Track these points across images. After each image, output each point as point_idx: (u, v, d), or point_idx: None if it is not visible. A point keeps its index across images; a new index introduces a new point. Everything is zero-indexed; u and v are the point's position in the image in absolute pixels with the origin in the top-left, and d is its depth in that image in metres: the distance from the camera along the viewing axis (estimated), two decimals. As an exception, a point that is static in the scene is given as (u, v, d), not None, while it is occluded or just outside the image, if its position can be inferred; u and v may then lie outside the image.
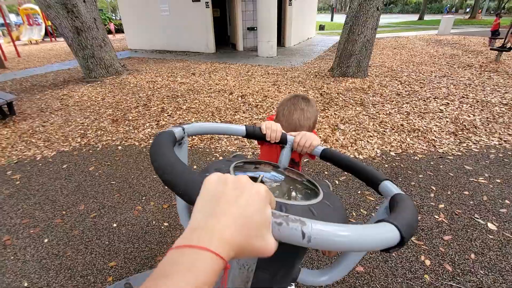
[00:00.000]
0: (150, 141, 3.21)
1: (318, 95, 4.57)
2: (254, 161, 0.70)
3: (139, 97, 4.70)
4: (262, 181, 0.31)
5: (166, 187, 2.38)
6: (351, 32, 5.16)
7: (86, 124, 3.72)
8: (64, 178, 2.57)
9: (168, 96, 4.71)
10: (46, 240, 1.87)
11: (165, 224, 1.97)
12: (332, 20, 28.86)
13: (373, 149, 2.93)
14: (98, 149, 3.09)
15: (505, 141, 3.01)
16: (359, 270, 1.56)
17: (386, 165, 2.63)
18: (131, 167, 2.72)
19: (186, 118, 3.78)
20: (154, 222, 2.00)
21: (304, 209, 0.48)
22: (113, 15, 37.15)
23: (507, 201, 2.08)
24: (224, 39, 11.33)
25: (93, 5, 5.43)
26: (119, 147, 3.11)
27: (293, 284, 1.48)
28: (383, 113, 3.78)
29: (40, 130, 3.60)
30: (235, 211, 0.27)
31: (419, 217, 1.95)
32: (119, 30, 19.08)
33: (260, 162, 0.73)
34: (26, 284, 1.57)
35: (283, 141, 0.81)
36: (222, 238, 0.25)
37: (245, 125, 0.78)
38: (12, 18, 24.43)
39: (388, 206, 0.49)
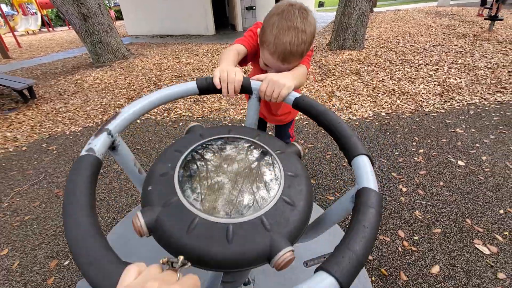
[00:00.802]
0: (165, 114, 3.58)
1: (316, 68, 4.85)
2: (207, 140, 0.57)
3: (149, 77, 5.02)
4: (176, 267, 0.29)
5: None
6: (346, 6, 5.35)
7: (104, 103, 4.08)
8: (95, 146, 2.96)
9: (176, 75, 5.03)
10: (92, 190, 2.28)
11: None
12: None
13: (366, 111, 3.27)
14: (120, 122, 3.46)
15: (485, 99, 3.32)
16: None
17: (377, 123, 2.98)
18: (151, 135, 3.10)
19: (195, 93, 4.11)
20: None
21: (255, 225, 0.42)
22: (107, 1, 36.48)
23: (477, 145, 2.44)
24: (223, 20, 11.41)
25: (97, -9, 5.65)
26: (138, 121, 3.48)
27: None
28: (377, 80, 4.08)
29: (63, 110, 3.97)
30: None
31: (401, 159, 2.32)
32: (116, 17, 19.02)
33: (213, 139, 0.57)
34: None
35: (246, 90, 0.68)
36: None
37: (196, 79, 0.66)
38: (3, 8, 24.26)
39: (354, 196, 0.45)
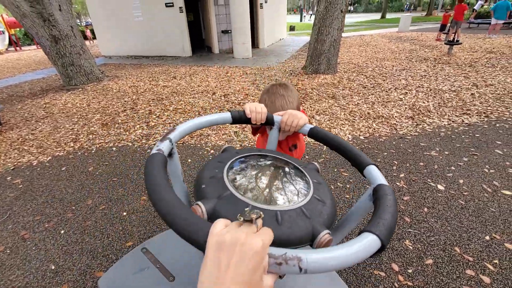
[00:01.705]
0: (143, 141, 3.42)
1: (295, 92, 4.97)
2: (244, 154, 0.69)
3: (125, 101, 4.85)
4: (253, 217, 0.34)
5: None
6: (319, 33, 5.63)
7: (76, 129, 3.84)
8: (65, 179, 2.73)
9: (154, 99, 4.90)
10: (62, 232, 2.06)
11: (170, 209, 2.23)
12: (301, 20, 29.80)
13: (345, 135, 3.35)
14: (93, 151, 3.26)
15: (453, 121, 3.55)
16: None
17: (357, 147, 3.05)
18: (128, 164, 2.93)
19: (174, 119, 4.01)
20: (159, 209, 2.25)
21: (298, 213, 0.49)
22: (78, 21, 35.76)
23: (452, 168, 2.56)
24: (199, 42, 11.53)
25: (69, 14, 5.47)
26: (113, 148, 3.29)
27: None
28: (352, 104, 4.24)
29: (30, 137, 3.67)
30: (236, 278, 0.30)
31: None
32: (87, 37, 18.56)
33: (249, 154, 0.70)
34: (53, 267, 1.78)
35: (270, 122, 0.81)
36: None
37: (229, 111, 0.83)
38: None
39: (372, 194, 0.53)
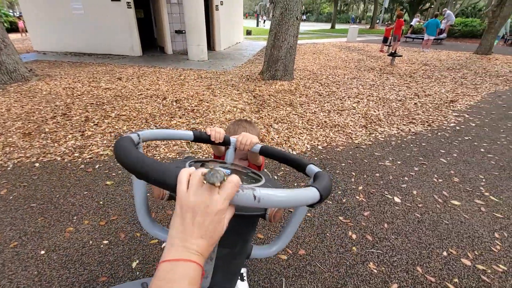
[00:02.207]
0: (76, 154, 2.91)
1: (252, 97, 4.80)
2: (204, 160, 0.77)
3: (56, 106, 4.16)
4: (215, 182, 0.37)
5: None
6: (276, 39, 5.57)
7: (-14, 140, 3.13)
8: (-36, 207, 2.14)
9: (92, 103, 4.29)
10: (-51, 283, 1.55)
11: (105, 242, 1.85)
12: (258, 25, 30.17)
13: (304, 144, 3.27)
14: (9, 168, 2.66)
15: (401, 130, 3.71)
16: (301, 253, 1.77)
17: (316, 158, 2.97)
18: (54, 185, 2.43)
19: (116, 127, 3.52)
20: (91, 242, 1.85)
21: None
22: (10, 11, 31.51)
23: (406, 178, 2.61)
24: (150, 41, 10.78)
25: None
26: (36, 164, 2.73)
27: (246, 264, 1.58)
28: (309, 112, 4.22)
29: None
30: (200, 232, 0.37)
31: (344, 199, 2.29)
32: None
33: (208, 160, 0.79)
34: None
35: (226, 142, 0.91)
36: (199, 252, 0.37)
37: (192, 130, 0.87)
38: None
39: (313, 181, 0.62)
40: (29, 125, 3.52)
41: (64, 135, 3.29)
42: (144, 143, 3.06)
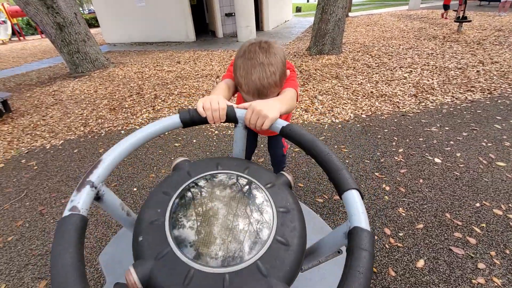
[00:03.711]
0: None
1: (298, 73, 4.97)
2: (195, 178, 0.57)
3: (131, 87, 4.95)
4: None
5: (172, 157, 2.73)
6: (323, 12, 5.53)
7: (85, 114, 3.98)
8: (78, 160, 2.88)
9: (159, 84, 4.99)
10: (78, 206, 2.22)
11: (177, 185, 2.37)
12: (308, 1, 28.94)
13: (347, 113, 3.40)
14: (103, 134, 3.40)
15: (456, 98, 3.54)
16: (336, 198, 2.02)
17: (358, 125, 3.10)
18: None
19: (179, 102, 4.10)
20: (167, 185, 2.38)
21: (252, 272, 0.42)
22: (81, 8, 35.60)
23: (451, 142, 2.60)
24: (203, 26, 11.43)
25: (72, 0, 5.51)
26: (122, 131, 3.43)
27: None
28: (356, 84, 4.24)
29: (42, 123, 3.84)
30: None
31: (383, 159, 2.43)
32: (91, 24, 18.55)
33: (200, 177, 0.57)
34: (71, 237, 1.94)
35: (231, 119, 0.66)
36: None
37: (178, 112, 0.64)
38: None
39: (347, 234, 0.45)
40: (113, 103, 4.32)
41: (140, 109, 3.98)
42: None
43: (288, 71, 0.91)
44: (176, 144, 3.00)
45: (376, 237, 1.65)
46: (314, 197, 2.05)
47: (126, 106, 4.14)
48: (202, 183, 0.56)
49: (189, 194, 0.53)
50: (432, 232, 1.65)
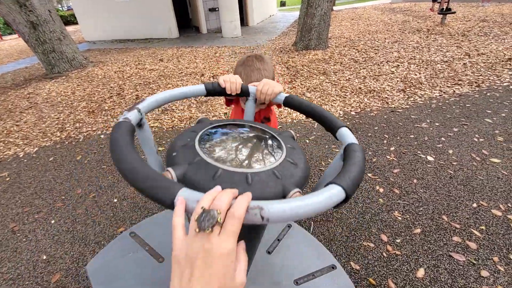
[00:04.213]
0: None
1: (285, 69, 4.86)
2: (219, 123, 0.68)
3: (111, 87, 4.71)
4: (208, 227, 0.31)
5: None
6: (309, 6, 5.42)
7: (62, 118, 3.74)
8: (54, 169, 2.68)
9: (140, 83, 4.76)
10: (53, 221, 2.05)
11: (161, 193, 2.22)
12: (292, -5, 28.77)
13: (337, 111, 3.31)
14: (81, 140, 3.19)
15: (444, 92, 3.52)
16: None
17: (348, 123, 3.02)
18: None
19: (162, 103, 3.92)
20: (150, 194, 2.23)
21: (269, 174, 0.49)
22: (59, 5, 34.25)
23: (442, 138, 2.56)
24: (186, 22, 11.11)
25: (45, -3, 5.18)
26: (102, 136, 3.23)
27: None
28: (344, 79, 4.17)
29: (15, 129, 3.58)
30: (206, 276, 0.30)
31: (375, 159, 2.36)
32: (70, 21, 17.81)
33: (225, 124, 0.69)
34: (44, 257, 1.77)
35: (245, 93, 0.81)
36: None
37: (203, 83, 0.77)
38: None
39: (343, 153, 0.55)
40: (91, 105, 4.08)
41: (121, 111, 3.78)
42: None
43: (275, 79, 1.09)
44: (160, 149, 2.84)
45: (373, 245, 1.57)
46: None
47: (106, 108, 3.92)
48: (224, 126, 0.67)
49: (215, 130, 0.64)
50: (430, 237, 1.58)
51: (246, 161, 0.54)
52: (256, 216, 0.35)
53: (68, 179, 2.51)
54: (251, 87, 0.82)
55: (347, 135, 0.60)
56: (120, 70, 5.75)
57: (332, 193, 0.40)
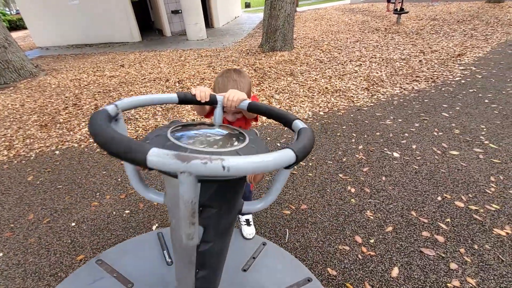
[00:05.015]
0: (91, 140, 3.11)
1: (252, 71, 4.82)
2: (190, 123, 0.75)
3: (66, 97, 4.34)
4: None
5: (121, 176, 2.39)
6: (272, 8, 5.44)
7: (9, 134, 3.37)
8: (0, 194, 2.39)
9: (99, 92, 4.45)
10: (1, 254, 1.81)
11: (127, 211, 2.05)
12: (256, -4, 28.97)
13: (306, 112, 3.33)
14: (32, 158, 2.89)
15: (404, 89, 3.69)
16: (303, 208, 1.91)
17: (317, 123, 3.05)
18: (75, 168, 2.64)
19: (124, 112, 3.68)
20: (114, 212, 2.06)
21: (232, 153, 0.57)
22: (6, 9, 31.50)
23: (406, 134, 2.67)
24: (148, 25, 10.69)
25: (-18, -1, 4.66)
26: (56, 152, 2.95)
27: (240, 216, 1.69)
28: (310, 80, 4.22)
29: (-49, 150, 3.15)
30: None
31: (345, 159, 2.39)
32: (19, 26, 16.38)
33: (195, 124, 0.77)
34: (-9, 297, 1.55)
35: (213, 101, 0.87)
36: None
37: (176, 92, 0.83)
38: None
39: (296, 138, 0.62)
40: (44, 118, 3.73)
41: (78, 123, 3.49)
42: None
43: (251, 94, 1.18)
44: (123, 162, 2.64)
45: (348, 248, 1.56)
46: (280, 208, 1.91)
47: (61, 120, 3.60)
48: (193, 124, 0.75)
49: (185, 127, 0.71)
50: (401, 234, 1.61)
51: (214, 146, 0.64)
52: (218, 166, 0.39)
53: (18, 203, 2.25)
54: (219, 96, 0.88)
55: (299, 124, 0.68)
56: (77, 78, 5.34)
57: (284, 154, 0.46)
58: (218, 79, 1.12)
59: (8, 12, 25.33)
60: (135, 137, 3.08)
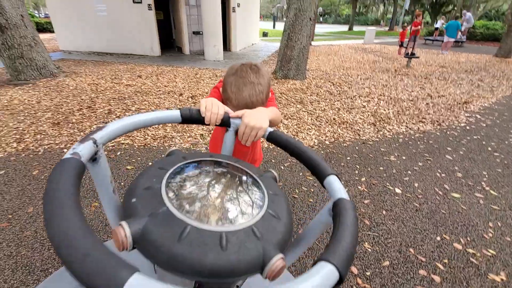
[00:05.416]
0: (99, 142, 3.17)
1: (263, 95, 4.97)
2: (192, 159, 0.58)
3: (81, 99, 4.49)
4: None
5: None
6: (289, 39, 5.72)
7: (21, 128, 3.46)
8: (3, 184, 2.42)
9: (115, 98, 4.60)
10: (-6, 243, 1.81)
11: (125, 216, 2.06)
12: (274, 27, 30.37)
13: (312, 139, 3.40)
14: (40, 153, 2.95)
15: (410, 128, 3.77)
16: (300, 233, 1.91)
17: (322, 152, 3.09)
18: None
19: (136, 119, 3.78)
20: (113, 215, 2.06)
21: (247, 233, 0.43)
22: (36, 12, 33.28)
23: (409, 172, 2.69)
24: (169, 42, 11.19)
25: (19, 1, 4.99)
26: (65, 150, 3.01)
27: None
28: (319, 109, 4.33)
29: (-36, 137, 3.24)
30: None
31: (347, 189, 2.40)
32: (46, 29, 17.23)
33: (199, 161, 0.59)
34: (-22, 286, 1.54)
35: (225, 124, 0.73)
36: None
37: (179, 108, 0.67)
38: None
39: (331, 208, 0.49)
40: (58, 116, 3.84)
41: (89, 125, 3.58)
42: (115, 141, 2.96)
43: (269, 94, 0.99)
44: (128, 167, 2.69)
45: (343, 278, 1.54)
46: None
47: (74, 121, 3.70)
48: (197, 164, 0.58)
49: (186, 169, 0.55)
50: (398, 270, 1.59)
51: (219, 215, 0.45)
52: None
53: (19, 195, 2.27)
54: (234, 120, 0.72)
55: (336, 187, 0.53)
56: (94, 83, 5.55)
57: (325, 275, 0.34)
58: (230, 77, 0.90)
59: (37, 15, 26.79)
60: (142, 145, 3.14)
